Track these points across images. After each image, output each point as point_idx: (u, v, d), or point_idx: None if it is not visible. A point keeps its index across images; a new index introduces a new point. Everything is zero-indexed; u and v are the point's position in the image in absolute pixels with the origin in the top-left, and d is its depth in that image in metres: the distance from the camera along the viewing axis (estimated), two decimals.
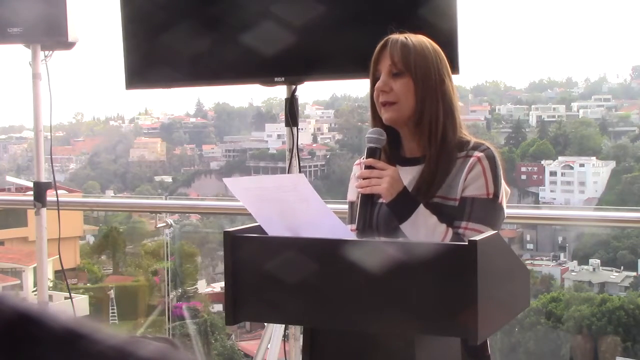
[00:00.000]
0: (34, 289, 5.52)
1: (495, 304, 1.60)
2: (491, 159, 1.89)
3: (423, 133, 1.92)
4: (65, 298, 5.32)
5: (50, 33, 3.17)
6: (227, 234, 1.71)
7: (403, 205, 1.83)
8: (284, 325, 2.79)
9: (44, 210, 3.41)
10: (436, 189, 1.89)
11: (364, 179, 1.85)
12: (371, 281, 1.54)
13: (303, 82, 2.81)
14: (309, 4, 2.62)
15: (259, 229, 1.77)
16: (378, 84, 1.92)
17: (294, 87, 2.81)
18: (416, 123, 1.92)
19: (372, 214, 1.92)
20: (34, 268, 5.53)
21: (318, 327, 1.73)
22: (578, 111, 34.68)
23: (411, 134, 1.95)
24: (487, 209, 1.87)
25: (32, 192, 3.44)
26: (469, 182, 1.87)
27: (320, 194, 1.64)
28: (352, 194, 2.04)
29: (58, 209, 3.40)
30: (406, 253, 1.54)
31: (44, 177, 3.43)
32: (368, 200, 1.87)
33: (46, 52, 3.32)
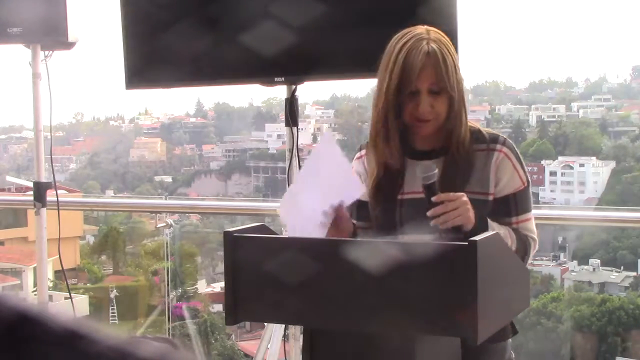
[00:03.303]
0: (34, 289, 5.51)
1: (495, 304, 1.60)
2: (513, 149, 1.98)
3: (448, 133, 1.92)
4: (65, 298, 5.32)
5: (50, 33, 3.16)
6: (227, 234, 1.71)
7: (482, 222, 1.84)
8: (284, 325, 2.79)
9: (44, 210, 3.41)
10: (462, 184, 1.89)
11: (438, 215, 1.79)
12: (371, 281, 1.54)
13: (303, 82, 2.81)
14: (309, 4, 2.62)
15: (259, 229, 1.77)
16: (424, 107, 1.87)
17: (294, 87, 2.81)
18: (442, 125, 1.92)
19: (394, 212, 1.92)
20: (34, 268, 5.53)
21: (318, 327, 1.73)
22: (578, 111, 34.63)
23: (432, 133, 1.95)
24: (527, 197, 1.98)
25: (32, 192, 3.43)
26: (505, 179, 1.94)
27: None
28: None
29: (58, 209, 3.40)
30: (406, 253, 1.54)
31: (44, 177, 3.43)
32: (387, 198, 1.88)
33: (46, 52, 3.32)
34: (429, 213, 1.79)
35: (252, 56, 2.66)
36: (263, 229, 1.79)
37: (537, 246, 1.98)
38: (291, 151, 2.87)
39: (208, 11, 2.81)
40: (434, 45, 1.87)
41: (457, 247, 1.57)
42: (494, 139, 1.96)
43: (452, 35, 2.48)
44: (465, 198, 1.80)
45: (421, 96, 1.87)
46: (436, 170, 1.81)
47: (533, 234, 1.99)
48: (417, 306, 1.54)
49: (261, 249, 1.70)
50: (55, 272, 7.75)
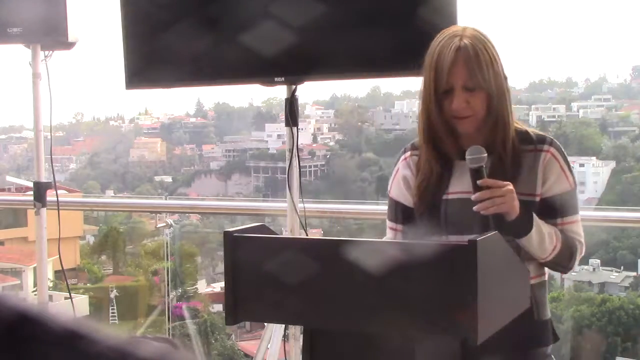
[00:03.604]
0: (34, 289, 5.51)
1: (495, 304, 1.60)
2: (560, 150, 1.96)
3: (491, 130, 1.91)
4: (65, 298, 5.32)
5: (50, 33, 3.16)
6: (227, 234, 1.71)
7: (527, 216, 1.83)
8: (284, 325, 2.79)
9: (44, 210, 3.41)
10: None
11: (483, 200, 1.78)
12: (371, 281, 1.54)
13: (303, 82, 2.80)
14: (309, 4, 2.62)
15: (259, 229, 1.77)
16: (458, 104, 1.86)
17: (294, 87, 2.81)
18: (485, 122, 1.91)
19: (439, 211, 1.92)
20: (34, 268, 5.52)
21: (318, 327, 1.73)
22: (578, 111, 34.59)
23: (476, 131, 1.93)
24: (574, 199, 1.96)
25: (32, 192, 3.43)
26: (552, 179, 1.92)
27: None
28: (399, 194, 2.04)
29: (58, 209, 3.40)
30: (406, 253, 1.54)
31: (44, 177, 3.43)
32: (433, 197, 1.90)
33: (46, 52, 3.32)
34: (473, 197, 1.79)
35: (252, 56, 2.66)
36: (263, 229, 1.79)
37: (584, 250, 1.94)
38: (291, 151, 2.87)
39: (208, 11, 2.80)
40: (466, 41, 1.86)
41: (457, 247, 1.57)
42: (542, 140, 1.96)
43: None
44: (511, 187, 1.79)
45: (455, 92, 1.86)
46: (485, 154, 1.80)
47: (580, 237, 1.96)
48: (417, 306, 1.54)
49: (261, 249, 1.70)
50: (55, 272, 7.75)
